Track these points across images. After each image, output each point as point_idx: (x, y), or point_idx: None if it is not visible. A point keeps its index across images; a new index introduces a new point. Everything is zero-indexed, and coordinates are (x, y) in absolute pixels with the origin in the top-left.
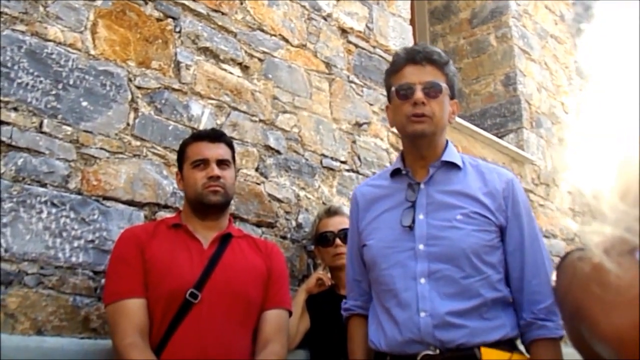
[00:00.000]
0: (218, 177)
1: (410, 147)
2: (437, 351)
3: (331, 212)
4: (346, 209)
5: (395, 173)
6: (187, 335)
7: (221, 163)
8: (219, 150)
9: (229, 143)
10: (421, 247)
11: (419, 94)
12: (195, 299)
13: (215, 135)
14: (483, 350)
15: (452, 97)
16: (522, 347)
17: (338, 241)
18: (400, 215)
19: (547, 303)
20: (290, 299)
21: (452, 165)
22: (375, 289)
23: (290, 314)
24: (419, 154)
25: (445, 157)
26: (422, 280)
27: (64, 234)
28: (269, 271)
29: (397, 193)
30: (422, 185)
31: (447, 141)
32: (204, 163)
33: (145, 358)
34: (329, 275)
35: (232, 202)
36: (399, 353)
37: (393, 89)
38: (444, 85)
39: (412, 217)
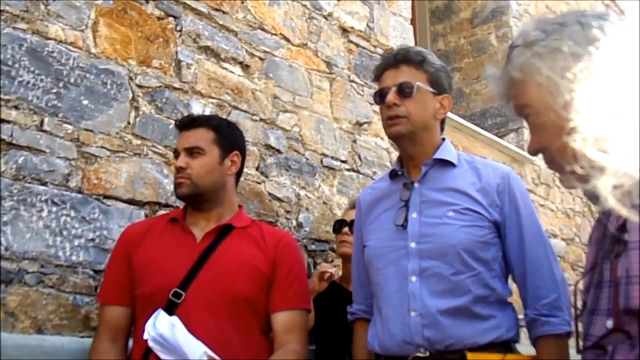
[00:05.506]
0: (181, 168)
1: (399, 148)
2: (427, 353)
3: (354, 204)
4: None
5: (393, 174)
6: None
7: (190, 151)
8: (190, 138)
9: (210, 126)
10: (413, 245)
11: (390, 96)
12: (178, 299)
13: (186, 123)
14: (469, 355)
15: (439, 92)
16: (520, 348)
17: (346, 229)
18: (395, 214)
19: (551, 298)
20: (304, 294)
21: (446, 163)
22: (373, 290)
23: (309, 311)
24: (406, 153)
25: (438, 155)
26: (413, 278)
27: (65, 233)
28: (273, 268)
29: (394, 193)
30: (415, 184)
31: (443, 139)
32: (177, 154)
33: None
34: (334, 269)
35: None
36: (390, 354)
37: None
38: (418, 83)
39: (405, 215)
